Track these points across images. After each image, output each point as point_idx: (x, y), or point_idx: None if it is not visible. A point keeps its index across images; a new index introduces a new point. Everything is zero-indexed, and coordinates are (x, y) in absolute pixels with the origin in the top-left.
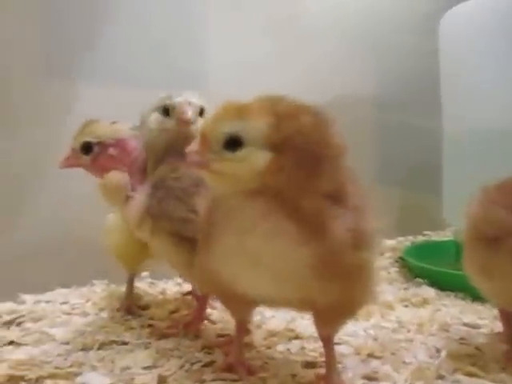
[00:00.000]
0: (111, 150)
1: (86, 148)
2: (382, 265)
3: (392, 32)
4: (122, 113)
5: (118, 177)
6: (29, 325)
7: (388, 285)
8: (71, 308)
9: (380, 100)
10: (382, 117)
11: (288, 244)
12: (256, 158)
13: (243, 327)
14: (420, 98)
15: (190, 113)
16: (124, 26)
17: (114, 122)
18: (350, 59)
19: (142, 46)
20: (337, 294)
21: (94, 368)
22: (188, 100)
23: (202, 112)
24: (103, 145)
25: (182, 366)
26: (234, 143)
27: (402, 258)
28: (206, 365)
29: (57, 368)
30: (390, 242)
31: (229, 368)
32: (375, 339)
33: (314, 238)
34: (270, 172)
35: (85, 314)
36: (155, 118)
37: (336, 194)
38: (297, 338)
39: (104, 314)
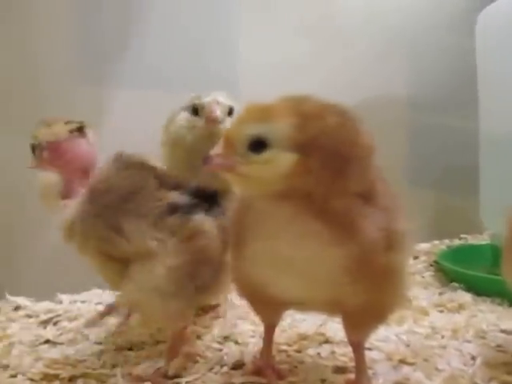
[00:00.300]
0: (44, 153)
1: (31, 150)
2: (416, 269)
3: (427, 30)
4: (154, 117)
5: (48, 180)
6: (64, 324)
7: (422, 289)
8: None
9: (415, 100)
10: (417, 117)
11: (319, 246)
12: (281, 160)
13: (272, 331)
14: (456, 98)
15: (218, 112)
16: (155, 30)
17: (67, 122)
18: (384, 58)
19: (174, 49)
20: (367, 296)
21: (124, 372)
22: (216, 99)
23: (230, 112)
24: (39, 147)
25: (211, 369)
26: (259, 145)
27: (437, 262)
28: (234, 367)
29: (89, 368)
30: (424, 246)
31: (258, 371)
32: (407, 345)
33: (345, 238)
34: (297, 174)
35: (118, 315)
36: (184, 116)
37: (365, 194)
38: (327, 342)
39: (137, 315)
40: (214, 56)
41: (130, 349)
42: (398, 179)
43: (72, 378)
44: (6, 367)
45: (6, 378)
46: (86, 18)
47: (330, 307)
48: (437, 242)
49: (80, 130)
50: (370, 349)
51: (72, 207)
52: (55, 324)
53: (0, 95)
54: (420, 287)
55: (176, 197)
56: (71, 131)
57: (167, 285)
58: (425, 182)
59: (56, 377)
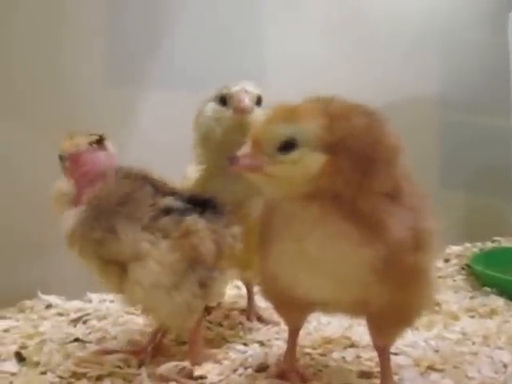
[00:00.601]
0: (66, 163)
1: (59, 160)
2: (447, 272)
3: (458, 28)
4: (183, 117)
5: (62, 187)
6: (94, 323)
7: (453, 293)
8: (134, 308)
9: (445, 98)
10: (448, 116)
11: (347, 246)
12: (310, 161)
13: (296, 334)
14: (488, 96)
15: (246, 101)
16: (184, 31)
17: (89, 135)
18: (414, 56)
19: (202, 50)
20: (393, 297)
21: (150, 372)
22: (245, 88)
23: (259, 101)
24: (63, 158)
25: (235, 370)
26: (287, 145)
27: (468, 266)
28: (258, 370)
29: (116, 367)
30: (456, 248)
31: (281, 375)
32: (436, 351)
33: (372, 238)
34: (325, 174)
35: None
36: (212, 107)
37: (392, 193)
38: (353, 346)
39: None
40: (242, 56)
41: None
42: (429, 180)
43: (99, 377)
44: (36, 364)
45: (37, 374)
46: (116, 21)
47: (355, 308)
48: (469, 244)
49: (99, 142)
50: (396, 354)
51: (74, 215)
52: (84, 323)
53: (34, 97)
54: (451, 291)
55: (170, 201)
56: (90, 143)
57: (166, 279)
58: (456, 183)
59: (84, 375)
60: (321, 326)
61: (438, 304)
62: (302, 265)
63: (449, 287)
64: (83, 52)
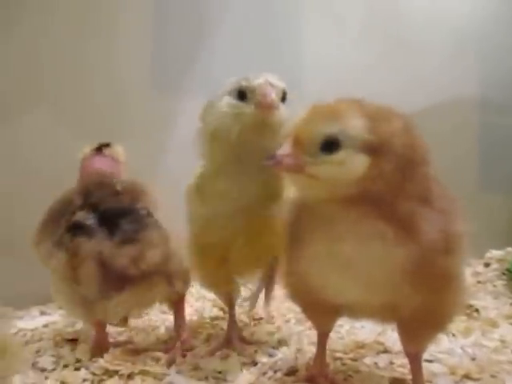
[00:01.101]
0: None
1: None
2: (487, 277)
3: (498, 31)
4: None
5: None
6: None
7: (492, 299)
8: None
9: (485, 101)
10: (488, 118)
11: (382, 247)
12: (355, 162)
13: (325, 338)
14: None
15: (273, 95)
16: (224, 40)
17: (99, 144)
18: (453, 59)
19: (242, 58)
20: (424, 300)
21: (179, 371)
22: (269, 81)
23: (284, 96)
24: None
25: (264, 373)
26: (330, 145)
27: (509, 271)
28: (288, 373)
29: (147, 365)
30: (496, 253)
31: (311, 379)
32: (473, 359)
33: (406, 240)
34: (369, 177)
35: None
36: (228, 102)
37: (425, 196)
38: (385, 351)
39: (195, 317)
40: (281, 62)
41: (188, 350)
42: (469, 182)
43: (130, 375)
44: (71, 361)
45: (71, 371)
46: (161, 28)
47: (385, 312)
48: (510, 248)
49: (99, 149)
50: (430, 361)
51: None
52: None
53: (83, 104)
54: (490, 296)
55: (81, 216)
56: (92, 150)
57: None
58: (497, 186)
59: (116, 373)
60: (354, 329)
61: (477, 310)
62: (335, 266)
63: (488, 292)
64: (130, 62)
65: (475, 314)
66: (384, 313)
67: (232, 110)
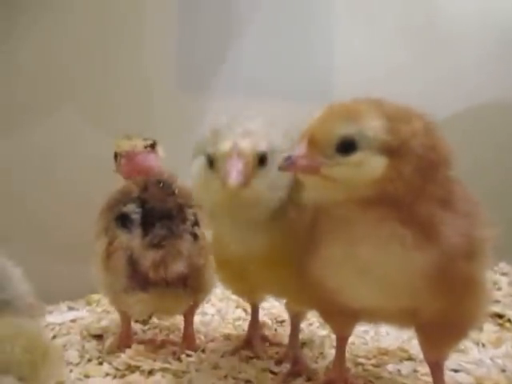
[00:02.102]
0: (122, 161)
1: (114, 156)
2: None
3: None
4: None
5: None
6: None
7: None
8: None
9: None
10: None
11: (402, 251)
12: (373, 164)
13: (344, 342)
14: None
15: (235, 175)
16: (251, 39)
17: (144, 139)
18: (493, 59)
19: (270, 58)
20: (444, 305)
21: (199, 369)
22: (237, 148)
23: (262, 160)
24: (119, 155)
25: (285, 376)
26: (347, 146)
27: None
28: (309, 379)
29: (167, 363)
30: None
31: (330, 383)
32: (503, 370)
33: (426, 243)
34: (388, 178)
35: (203, 314)
36: (199, 167)
37: (447, 199)
38: (409, 359)
39: (217, 317)
40: (309, 65)
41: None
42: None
43: (152, 371)
44: (95, 355)
45: (95, 365)
46: (187, 32)
47: (403, 317)
48: None
49: (153, 146)
50: (457, 371)
51: None
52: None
53: (109, 104)
54: None
55: (128, 209)
56: (146, 146)
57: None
58: None
59: (137, 368)
60: (378, 336)
61: (509, 320)
62: (352, 269)
63: None
64: (158, 62)
65: (508, 325)
66: (402, 317)
67: (202, 179)
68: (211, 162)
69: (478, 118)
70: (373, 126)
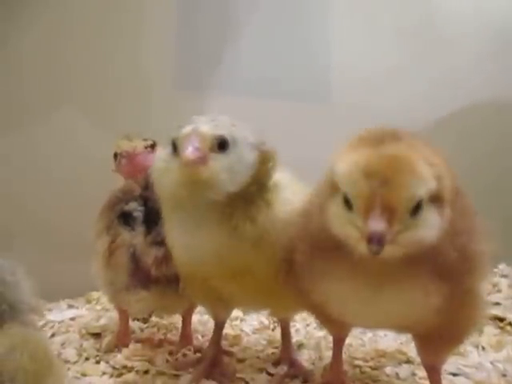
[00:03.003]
0: (122, 161)
1: (113, 156)
2: None
3: None
4: (248, 122)
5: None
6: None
7: None
8: None
9: None
10: None
11: (424, 298)
12: (434, 218)
13: (340, 344)
14: None
15: (191, 150)
16: (250, 38)
17: (144, 139)
18: (489, 59)
19: (269, 58)
20: (443, 319)
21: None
22: (198, 130)
23: (222, 145)
24: (119, 155)
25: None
26: (418, 208)
27: None
28: (305, 381)
29: (165, 362)
30: None
31: None
32: (503, 375)
33: (446, 282)
34: (444, 231)
35: (201, 313)
36: (162, 154)
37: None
38: (408, 361)
39: None
40: (308, 60)
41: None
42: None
43: (148, 371)
44: (93, 354)
45: (92, 363)
46: (186, 33)
47: (401, 328)
48: None
49: (153, 146)
50: (455, 374)
51: None
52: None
53: (108, 103)
54: None
55: (131, 207)
56: (146, 147)
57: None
58: None
59: (134, 367)
60: (376, 337)
61: (510, 324)
62: (368, 309)
63: None
64: (157, 60)
65: (508, 328)
66: (400, 328)
67: (162, 164)
68: (174, 148)
69: (475, 117)
70: (432, 179)
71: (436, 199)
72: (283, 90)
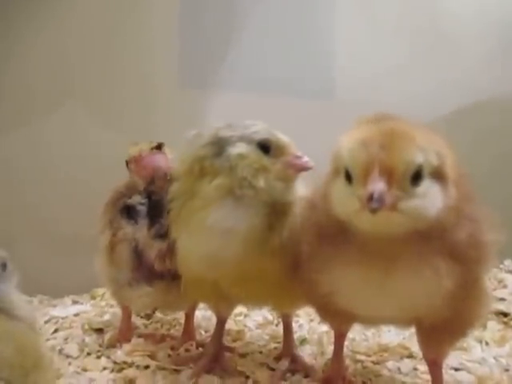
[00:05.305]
0: (131, 165)
1: (126, 165)
2: None
3: None
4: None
5: None
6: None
7: None
8: None
9: None
10: None
11: (436, 279)
12: (436, 193)
13: (342, 339)
14: None
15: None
16: (253, 34)
17: (150, 142)
18: (493, 57)
19: (272, 56)
20: (446, 310)
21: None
22: None
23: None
24: (129, 161)
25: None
26: (417, 176)
27: None
28: (306, 376)
29: (166, 357)
30: None
31: (328, 381)
32: (506, 370)
33: (457, 266)
34: (447, 207)
35: (205, 309)
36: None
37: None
38: (410, 356)
39: None
40: (311, 57)
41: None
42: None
43: (149, 366)
44: (95, 349)
45: (93, 358)
46: (190, 31)
47: (406, 321)
48: None
49: (159, 147)
50: (458, 369)
51: None
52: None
53: (114, 100)
54: None
55: (134, 200)
56: (152, 148)
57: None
58: None
59: (135, 362)
60: (379, 332)
61: None
62: (380, 294)
63: None
64: (158, 54)
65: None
66: (404, 322)
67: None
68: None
69: (480, 115)
70: (432, 152)
71: (438, 175)
72: (287, 87)
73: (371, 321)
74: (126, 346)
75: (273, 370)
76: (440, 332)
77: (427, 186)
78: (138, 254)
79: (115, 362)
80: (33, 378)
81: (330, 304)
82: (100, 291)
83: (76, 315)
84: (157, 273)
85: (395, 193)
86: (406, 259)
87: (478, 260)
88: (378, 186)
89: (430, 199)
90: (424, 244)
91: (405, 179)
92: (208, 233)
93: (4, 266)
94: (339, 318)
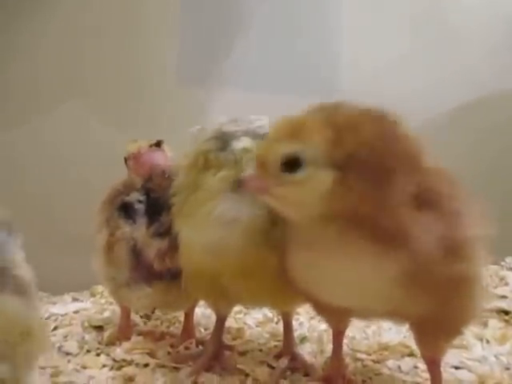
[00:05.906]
0: (130, 163)
1: (124, 162)
2: None
3: None
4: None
5: None
6: (159, 314)
7: None
8: None
9: None
10: None
11: (368, 265)
12: (319, 179)
13: (340, 337)
14: None
15: None
16: (256, 31)
17: (149, 140)
18: (502, 52)
19: (273, 52)
20: (431, 307)
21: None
22: None
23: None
24: (128, 158)
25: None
26: (292, 164)
27: None
28: (306, 374)
29: (166, 355)
30: None
31: (327, 379)
32: (507, 368)
33: (395, 252)
34: (337, 193)
35: (205, 307)
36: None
37: (420, 200)
38: (411, 355)
39: None
40: (316, 54)
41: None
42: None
43: (148, 364)
44: (94, 347)
45: (93, 356)
46: (190, 28)
47: (393, 317)
48: None
49: (158, 144)
50: (458, 367)
51: None
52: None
53: (114, 96)
54: None
55: (132, 198)
56: (151, 145)
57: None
58: None
59: (135, 360)
60: (380, 330)
61: None
62: (326, 279)
63: None
64: (157, 50)
65: None
66: (392, 317)
67: None
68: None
69: (486, 110)
70: (316, 141)
71: (336, 165)
72: (288, 84)
73: (361, 315)
74: (126, 344)
75: (273, 368)
76: (433, 329)
77: (305, 174)
78: (136, 254)
79: (114, 360)
80: (23, 350)
81: (310, 296)
82: (100, 288)
83: (76, 312)
84: (156, 273)
85: (267, 180)
86: (329, 241)
87: (455, 254)
88: (248, 173)
89: (307, 186)
90: (351, 231)
91: (275, 167)
92: (211, 224)
93: (10, 230)
94: (333, 314)
